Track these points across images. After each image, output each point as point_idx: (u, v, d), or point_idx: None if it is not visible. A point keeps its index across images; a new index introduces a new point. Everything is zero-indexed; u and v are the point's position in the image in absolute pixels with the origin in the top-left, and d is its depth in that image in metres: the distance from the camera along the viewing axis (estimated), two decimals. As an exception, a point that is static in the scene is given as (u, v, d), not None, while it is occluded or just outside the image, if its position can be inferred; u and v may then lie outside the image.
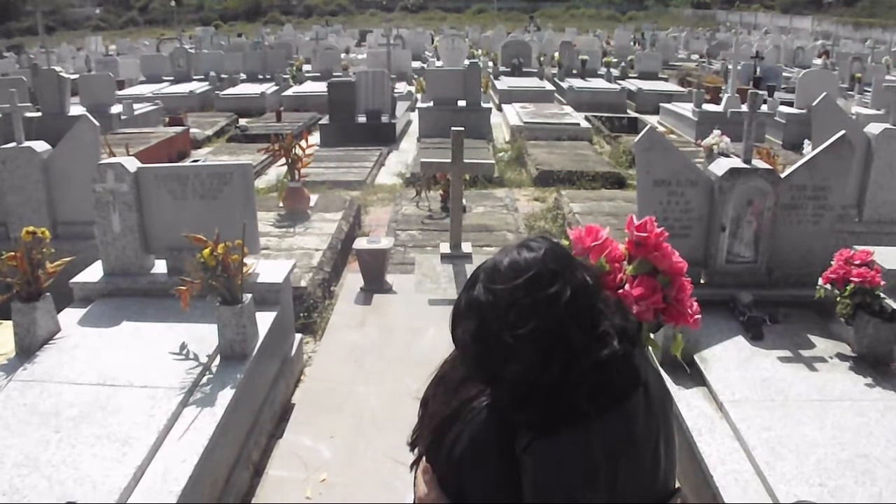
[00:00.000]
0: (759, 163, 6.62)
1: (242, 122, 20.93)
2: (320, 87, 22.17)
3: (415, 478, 2.37)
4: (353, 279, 8.83)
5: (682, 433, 4.91)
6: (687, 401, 5.13)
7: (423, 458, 2.33)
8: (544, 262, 2.00)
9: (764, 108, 18.45)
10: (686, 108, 19.72)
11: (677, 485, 2.26)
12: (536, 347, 1.95)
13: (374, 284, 8.49)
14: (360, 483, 5.13)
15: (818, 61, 32.35)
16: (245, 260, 5.58)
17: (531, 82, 25.90)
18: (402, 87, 24.61)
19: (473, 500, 2.13)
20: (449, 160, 9.26)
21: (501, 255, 2.07)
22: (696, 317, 2.59)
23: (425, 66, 29.64)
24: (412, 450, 2.42)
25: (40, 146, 8.31)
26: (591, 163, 15.16)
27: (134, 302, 6.43)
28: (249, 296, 5.63)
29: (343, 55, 33.37)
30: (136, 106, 19.66)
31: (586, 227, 2.57)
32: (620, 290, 2.50)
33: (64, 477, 4.10)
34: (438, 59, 33.06)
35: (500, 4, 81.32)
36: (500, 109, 22.57)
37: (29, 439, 4.44)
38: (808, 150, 8.91)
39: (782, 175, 6.52)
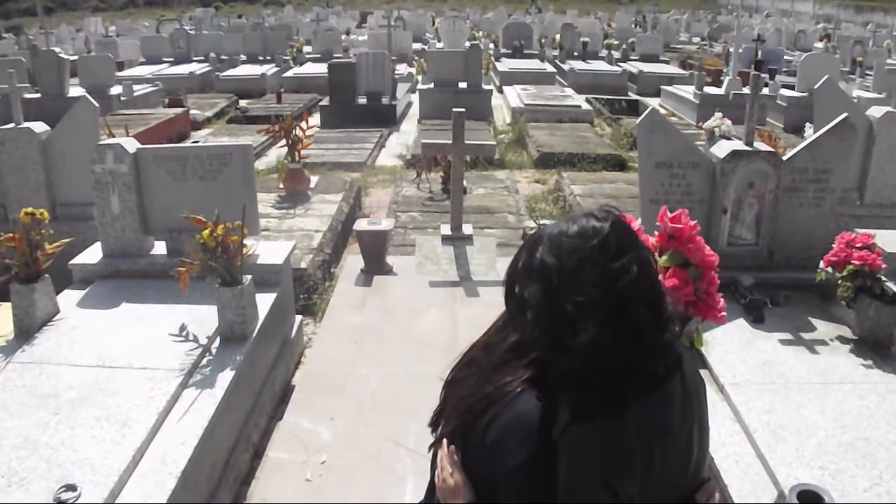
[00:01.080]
0: (760, 145, 6.60)
1: (242, 103, 20.86)
2: (321, 69, 22.10)
3: (434, 458, 2.35)
4: (353, 261, 8.81)
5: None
6: (687, 383, 5.12)
7: (445, 440, 2.30)
8: (612, 233, 1.97)
9: (765, 91, 18.41)
10: (687, 91, 19.69)
11: (707, 475, 2.26)
12: (603, 319, 1.92)
13: (375, 266, 8.47)
14: (360, 465, 5.13)
15: (819, 45, 32.30)
16: (245, 241, 5.55)
17: (532, 64, 25.85)
18: (402, 69, 24.52)
19: (504, 487, 2.10)
20: (450, 142, 9.23)
21: (567, 223, 2.02)
22: (723, 313, 2.56)
23: (426, 47, 29.57)
24: (433, 431, 2.40)
25: (39, 127, 8.28)
26: (592, 145, 15.12)
27: (133, 283, 6.41)
28: (249, 277, 5.62)
29: (344, 36, 33.23)
30: (135, 87, 19.64)
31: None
32: None
33: (63, 459, 4.09)
34: (439, 41, 32.97)
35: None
36: (500, 91, 22.51)
37: (28, 421, 4.43)
38: (810, 134, 8.87)
39: (784, 158, 6.50)
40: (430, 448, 2.40)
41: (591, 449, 1.96)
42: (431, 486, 2.37)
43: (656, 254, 2.54)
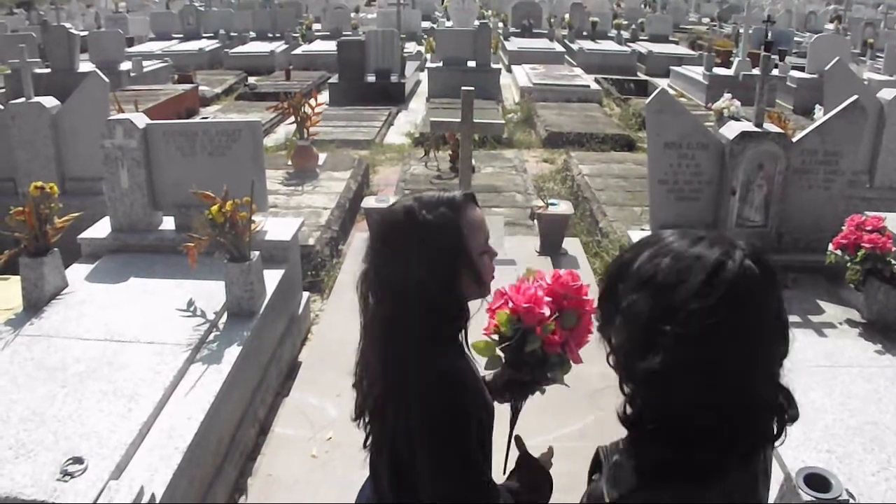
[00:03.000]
0: (770, 127, 6.57)
1: (251, 80, 20.83)
2: (330, 46, 22.00)
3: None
4: (361, 238, 8.80)
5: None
6: (694, 365, 5.11)
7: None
8: (741, 279, 1.63)
9: (775, 72, 18.31)
10: (696, 72, 19.60)
11: None
12: (701, 367, 1.60)
13: (382, 244, 8.44)
14: (367, 442, 5.12)
15: (830, 26, 32.07)
16: (253, 217, 5.55)
17: (541, 44, 25.72)
18: (411, 47, 24.46)
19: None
20: (458, 120, 9.20)
21: (699, 245, 1.68)
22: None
23: (435, 26, 29.48)
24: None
25: (49, 102, 8.28)
26: (600, 125, 15.09)
27: (141, 258, 6.42)
28: (257, 253, 5.62)
29: (353, 14, 33.09)
30: (145, 63, 19.59)
31: (519, 288, 2.44)
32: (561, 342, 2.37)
33: (70, 432, 4.10)
34: (448, 20, 32.76)
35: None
36: (509, 70, 22.44)
37: (35, 394, 4.45)
38: (820, 116, 8.83)
39: (793, 140, 6.47)
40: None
41: None
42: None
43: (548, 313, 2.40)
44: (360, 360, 2.44)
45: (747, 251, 1.69)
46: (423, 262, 2.16)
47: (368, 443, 2.45)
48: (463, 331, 2.33)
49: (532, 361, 2.38)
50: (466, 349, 2.35)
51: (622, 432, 1.76)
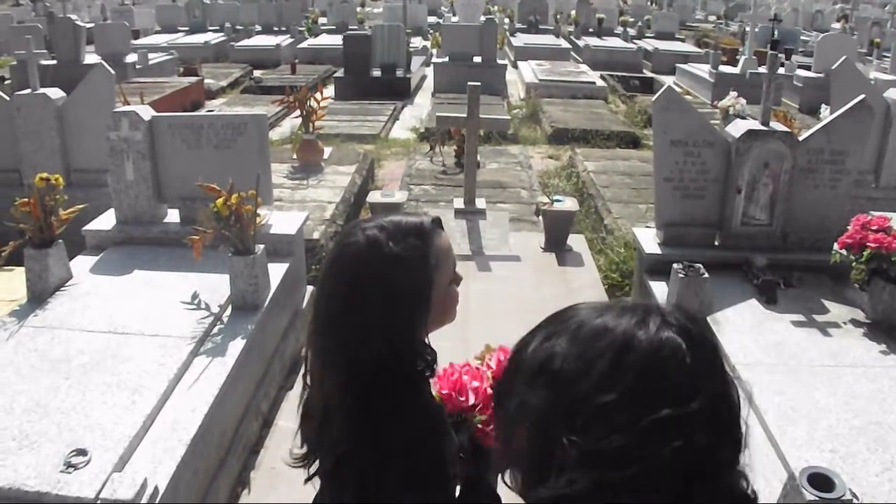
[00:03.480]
0: (776, 125, 6.56)
1: (257, 73, 20.85)
2: (336, 41, 22.00)
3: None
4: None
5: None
6: (698, 363, 5.10)
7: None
8: (654, 355, 1.23)
9: (781, 71, 18.28)
10: (702, 70, 19.59)
11: None
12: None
13: (387, 239, 8.44)
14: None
15: (837, 25, 32.03)
16: (258, 211, 5.55)
17: (547, 40, 25.69)
18: (417, 42, 24.45)
19: None
20: (464, 115, 9.20)
21: (601, 317, 1.29)
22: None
23: (441, 21, 29.45)
24: None
25: (55, 93, 8.28)
26: (606, 122, 15.07)
27: (146, 251, 6.42)
28: (262, 247, 5.62)
29: (359, 8, 33.10)
30: (150, 55, 19.57)
31: (446, 373, 2.25)
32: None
33: (74, 424, 4.11)
34: (454, 15, 32.74)
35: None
36: (515, 66, 22.38)
37: (39, 385, 4.45)
38: (826, 115, 8.82)
39: (800, 138, 6.46)
40: None
41: None
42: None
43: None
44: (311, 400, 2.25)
45: (670, 316, 1.28)
46: (391, 301, 1.93)
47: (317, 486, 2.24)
48: (430, 372, 2.06)
49: (466, 453, 2.16)
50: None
51: None
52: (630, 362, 1.20)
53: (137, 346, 4.92)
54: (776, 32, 23.01)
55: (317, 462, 2.20)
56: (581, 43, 25.78)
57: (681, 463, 1.18)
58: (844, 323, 5.60)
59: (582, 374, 1.21)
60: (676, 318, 1.28)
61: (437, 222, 2.07)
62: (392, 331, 1.92)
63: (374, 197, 8.76)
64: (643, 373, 1.20)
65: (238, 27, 27.54)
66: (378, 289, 1.93)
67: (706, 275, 5.59)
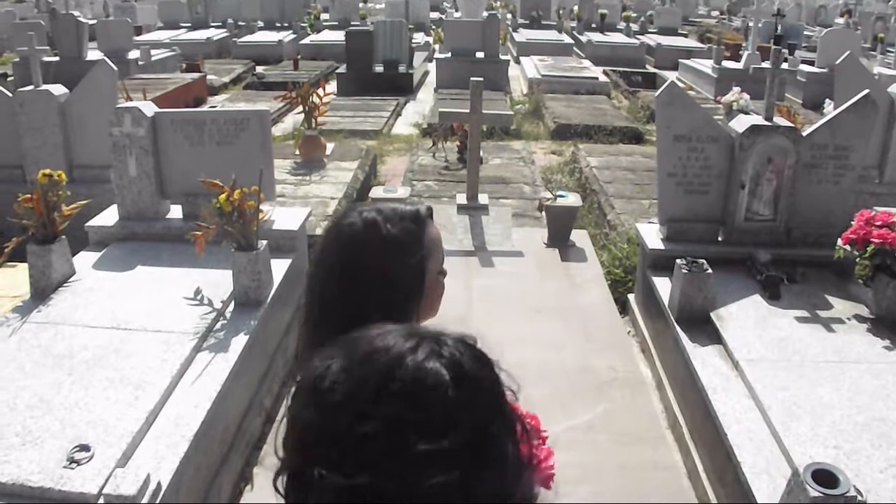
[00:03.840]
0: (780, 120, 6.55)
1: (259, 69, 20.80)
2: (338, 36, 21.99)
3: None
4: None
5: (697, 391, 4.90)
6: (702, 358, 5.11)
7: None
8: (413, 387, 1.16)
9: (784, 66, 18.24)
10: (705, 65, 19.53)
11: None
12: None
13: (389, 234, 8.43)
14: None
15: (840, 20, 31.97)
16: (261, 206, 5.55)
17: (550, 35, 25.66)
18: (419, 38, 24.42)
19: None
20: (467, 111, 9.19)
21: (384, 339, 1.24)
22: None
23: (443, 16, 29.42)
24: None
25: (58, 90, 8.27)
26: (608, 117, 15.05)
27: (149, 246, 6.42)
28: (264, 242, 5.62)
29: (361, 4, 33.10)
30: (153, 52, 19.59)
31: None
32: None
33: (76, 419, 4.11)
34: (457, 10, 32.74)
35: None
36: (517, 62, 22.37)
37: (42, 381, 4.45)
38: (829, 110, 8.80)
39: (804, 134, 6.45)
40: None
41: None
42: None
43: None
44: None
45: (445, 347, 1.23)
46: (388, 284, 1.92)
47: None
48: None
49: None
50: None
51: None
52: (393, 389, 1.14)
53: (140, 342, 4.91)
54: (779, 27, 22.97)
55: None
56: (584, 38, 25.74)
57: (433, 498, 1.11)
58: (848, 319, 5.59)
59: (347, 398, 1.16)
60: (451, 351, 1.22)
61: (430, 212, 2.11)
62: (389, 316, 1.75)
63: (377, 192, 8.75)
64: (405, 401, 1.14)
65: (240, 23, 27.52)
66: (375, 270, 1.93)
67: (709, 270, 5.58)
